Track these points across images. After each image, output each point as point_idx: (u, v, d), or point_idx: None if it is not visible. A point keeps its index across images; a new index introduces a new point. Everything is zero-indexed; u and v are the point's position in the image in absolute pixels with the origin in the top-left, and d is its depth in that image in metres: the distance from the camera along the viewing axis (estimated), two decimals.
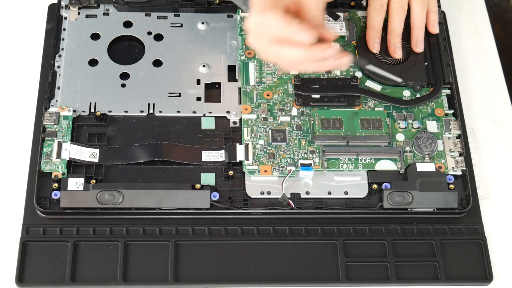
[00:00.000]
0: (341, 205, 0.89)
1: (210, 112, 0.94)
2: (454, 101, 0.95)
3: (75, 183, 0.87)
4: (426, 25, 0.97)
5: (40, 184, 0.87)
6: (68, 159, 0.89)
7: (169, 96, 0.95)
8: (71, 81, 0.95)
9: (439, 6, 1.01)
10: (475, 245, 0.88)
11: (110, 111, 0.93)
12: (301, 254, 0.87)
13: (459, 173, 0.91)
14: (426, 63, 0.97)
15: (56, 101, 0.93)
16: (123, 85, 0.95)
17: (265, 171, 0.89)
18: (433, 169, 0.90)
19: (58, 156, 0.89)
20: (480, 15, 1.07)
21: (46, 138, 0.90)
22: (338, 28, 0.99)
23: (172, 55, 0.98)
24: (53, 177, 0.88)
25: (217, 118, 0.94)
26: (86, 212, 0.86)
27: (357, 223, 0.88)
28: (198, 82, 0.96)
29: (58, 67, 0.96)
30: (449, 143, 0.93)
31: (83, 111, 0.93)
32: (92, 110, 0.93)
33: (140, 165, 0.90)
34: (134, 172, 0.90)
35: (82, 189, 0.86)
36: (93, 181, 0.88)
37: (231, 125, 0.93)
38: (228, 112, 0.94)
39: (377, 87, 0.96)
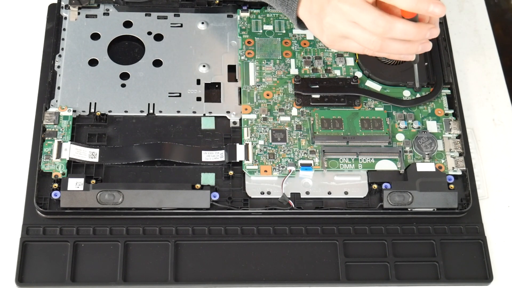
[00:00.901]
0: (341, 205, 0.89)
1: (210, 112, 0.94)
2: (454, 101, 0.95)
3: (75, 183, 0.87)
4: None
5: (40, 184, 0.87)
6: (68, 159, 0.89)
7: (169, 96, 0.95)
8: (71, 81, 0.95)
9: None
10: (475, 245, 0.88)
11: (110, 111, 0.93)
12: (301, 254, 0.87)
13: (459, 173, 0.91)
14: (426, 63, 0.97)
15: (56, 101, 0.93)
16: (123, 85, 0.95)
17: (265, 171, 0.89)
18: (433, 169, 0.90)
19: (58, 156, 0.89)
20: (480, 15, 1.07)
21: (46, 138, 0.90)
22: None
23: (172, 55, 0.98)
24: (53, 177, 0.88)
25: (217, 118, 0.94)
26: (86, 212, 0.86)
27: (357, 223, 0.88)
28: (198, 82, 0.96)
29: (58, 67, 0.96)
30: (449, 143, 0.93)
31: (83, 111, 0.93)
32: (92, 110, 0.93)
33: (140, 165, 0.90)
34: (134, 172, 0.90)
35: (82, 189, 0.86)
36: (93, 181, 0.88)
37: (231, 125, 0.93)
38: (228, 112, 0.94)
39: (377, 87, 0.96)
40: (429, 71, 0.97)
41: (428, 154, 0.91)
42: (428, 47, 0.83)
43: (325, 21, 0.83)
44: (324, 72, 0.97)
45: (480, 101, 1.00)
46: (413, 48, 0.83)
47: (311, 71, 0.97)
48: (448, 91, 0.96)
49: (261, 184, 0.89)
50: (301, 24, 0.88)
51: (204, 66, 0.97)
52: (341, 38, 0.84)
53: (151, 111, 0.94)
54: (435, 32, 0.82)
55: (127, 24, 1.00)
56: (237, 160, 0.90)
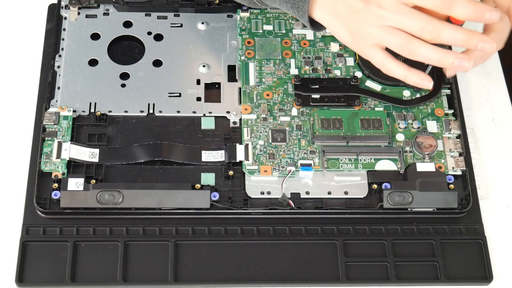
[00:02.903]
0: (341, 205, 0.89)
1: (210, 112, 0.94)
2: (454, 101, 0.95)
3: (75, 183, 0.87)
4: None
5: (40, 184, 0.87)
6: (68, 159, 0.89)
7: (169, 96, 0.95)
8: (71, 81, 0.95)
9: None
10: (475, 245, 0.88)
11: (110, 111, 0.93)
12: (301, 254, 0.87)
13: (459, 173, 0.91)
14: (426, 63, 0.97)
15: (56, 101, 0.93)
16: (123, 85, 0.95)
17: (265, 171, 0.89)
18: (433, 169, 0.90)
19: (58, 156, 0.89)
20: None
21: (46, 138, 0.90)
22: None
23: (172, 55, 0.98)
24: (53, 177, 0.88)
25: (217, 118, 0.94)
26: (86, 212, 0.86)
27: (357, 223, 0.88)
28: (198, 82, 0.96)
29: (58, 67, 0.96)
30: (449, 143, 0.93)
31: (83, 111, 0.93)
32: (92, 110, 0.93)
33: (140, 165, 0.90)
34: (134, 172, 0.90)
35: (82, 189, 0.86)
36: (93, 181, 0.88)
37: (231, 125, 0.93)
38: (228, 112, 0.94)
39: (377, 87, 0.96)
40: (429, 71, 0.96)
41: (428, 154, 0.91)
42: (466, 66, 0.79)
43: (361, 27, 0.80)
44: (324, 72, 0.97)
45: (480, 101, 1.00)
46: (446, 58, 0.79)
47: (311, 71, 0.97)
48: (448, 91, 0.96)
49: (261, 184, 0.89)
50: (315, 25, 0.87)
51: (204, 66, 0.97)
52: (370, 46, 0.82)
53: (151, 111, 0.94)
54: (488, 46, 0.78)
55: (127, 24, 1.00)
56: (237, 160, 0.90)
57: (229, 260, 0.86)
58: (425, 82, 0.82)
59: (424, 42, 0.79)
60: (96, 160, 0.89)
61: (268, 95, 0.95)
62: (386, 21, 0.79)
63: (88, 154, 0.90)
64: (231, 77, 0.97)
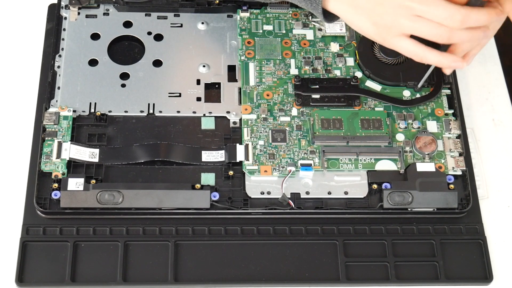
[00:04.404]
0: (341, 205, 0.89)
1: (210, 112, 0.94)
2: (454, 101, 0.95)
3: (75, 183, 0.87)
4: None
5: (40, 184, 0.87)
6: (68, 159, 0.89)
7: (169, 96, 0.95)
8: (71, 81, 0.95)
9: None
10: (475, 245, 0.88)
11: (110, 111, 0.93)
12: (301, 254, 0.87)
13: (459, 173, 0.91)
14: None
15: (56, 101, 0.93)
16: (123, 85, 0.95)
17: (265, 171, 0.89)
18: (433, 169, 0.90)
19: (58, 156, 0.89)
20: None
21: (46, 138, 0.90)
22: (338, 28, 0.99)
23: (172, 55, 0.98)
24: (53, 177, 0.88)
25: (217, 118, 0.94)
26: (86, 212, 0.86)
27: (357, 223, 0.88)
28: (198, 82, 0.96)
29: (58, 67, 0.96)
30: (449, 143, 0.93)
31: (83, 111, 0.93)
32: (92, 110, 0.93)
33: (140, 165, 0.90)
34: (134, 172, 0.90)
35: (82, 189, 0.86)
36: (93, 181, 0.88)
37: (231, 125, 0.93)
38: (228, 112, 0.94)
39: (377, 87, 0.96)
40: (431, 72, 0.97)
41: (428, 154, 0.91)
42: (491, 34, 0.82)
43: (386, 18, 0.80)
44: (324, 72, 0.97)
45: (480, 101, 1.00)
46: (476, 34, 0.80)
47: (311, 71, 0.97)
48: (448, 91, 0.96)
49: (261, 184, 0.89)
50: (327, 17, 0.86)
51: (204, 66, 0.97)
52: (397, 36, 0.81)
53: (151, 111, 0.94)
54: (502, 16, 0.81)
55: (127, 24, 1.00)
56: (237, 160, 0.90)
57: (229, 260, 0.86)
58: (458, 64, 0.83)
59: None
60: (96, 160, 0.89)
61: (268, 95, 0.95)
62: (413, 11, 0.79)
63: (88, 154, 0.90)
64: (231, 77, 0.97)
